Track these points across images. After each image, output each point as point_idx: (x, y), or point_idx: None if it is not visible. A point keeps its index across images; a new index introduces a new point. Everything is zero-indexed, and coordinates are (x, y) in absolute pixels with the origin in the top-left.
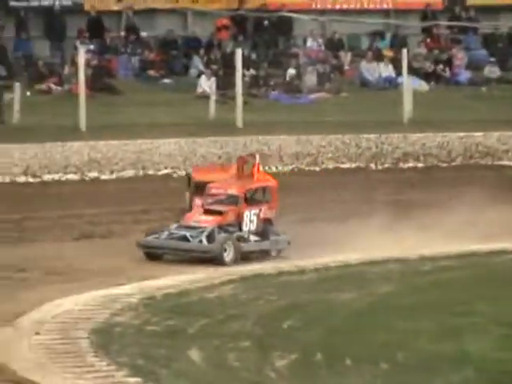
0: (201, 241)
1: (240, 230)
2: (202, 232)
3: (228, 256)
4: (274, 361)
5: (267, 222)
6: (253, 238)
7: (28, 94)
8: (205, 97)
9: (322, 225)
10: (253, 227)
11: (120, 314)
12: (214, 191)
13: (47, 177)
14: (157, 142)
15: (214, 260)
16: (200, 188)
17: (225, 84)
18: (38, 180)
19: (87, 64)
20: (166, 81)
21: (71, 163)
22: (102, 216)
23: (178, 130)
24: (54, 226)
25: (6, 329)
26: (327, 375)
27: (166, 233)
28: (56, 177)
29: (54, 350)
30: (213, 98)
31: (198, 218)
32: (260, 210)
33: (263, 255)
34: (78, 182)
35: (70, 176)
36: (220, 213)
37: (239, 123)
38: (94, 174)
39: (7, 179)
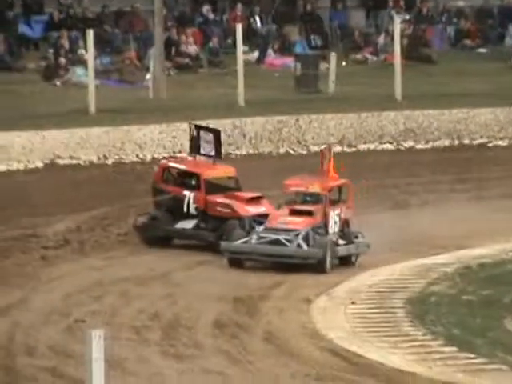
0: (299, 245)
1: (326, 232)
2: (298, 235)
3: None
4: None
5: (346, 223)
6: (341, 241)
7: (343, 63)
8: None
9: None
10: (337, 229)
11: (436, 283)
12: (293, 189)
13: (362, 146)
14: (472, 112)
15: (313, 266)
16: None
17: None
18: (353, 150)
19: (402, 33)
20: (482, 50)
21: (386, 133)
22: (417, 185)
23: (493, 100)
24: (370, 196)
25: (322, 297)
26: None
27: (254, 236)
28: (372, 146)
29: (369, 319)
30: None
31: (286, 219)
32: (341, 210)
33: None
34: (393, 152)
35: (386, 146)
36: (310, 213)
37: None
38: (409, 144)
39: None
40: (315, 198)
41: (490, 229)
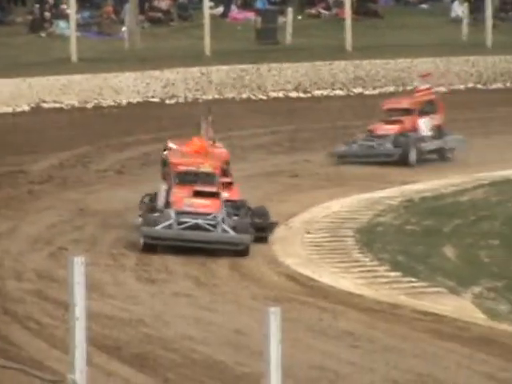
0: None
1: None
2: (386, 138)
3: (411, 157)
4: None
5: (438, 126)
6: (428, 139)
7: (299, 17)
8: (457, 20)
9: None
10: (427, 132)
11: (382, 214)
12: (389, 106)
13: (316, 92)
14: (415, 61)
15: (398, 161)
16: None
17: (476, 8)
18: (308, 95)
19: None
20: (423, 6)
21: (338, 80)
22: (365, 128)
23: (433, 51)
24: (322, 137)
25: (280, 227)
26: None
27: (355, 144)
28: (325, 92)
29: (322, 247)
30: (465, 21)
31: (384, 127)
32: (431, 118)
33: (440, 157)
34: (344, 97)
35: (337, 92)
36: (400, 122)
37: (489, 43)
38: (358, 90)
39: (281, 94)
40: (407, 112)
41: (431, 166)
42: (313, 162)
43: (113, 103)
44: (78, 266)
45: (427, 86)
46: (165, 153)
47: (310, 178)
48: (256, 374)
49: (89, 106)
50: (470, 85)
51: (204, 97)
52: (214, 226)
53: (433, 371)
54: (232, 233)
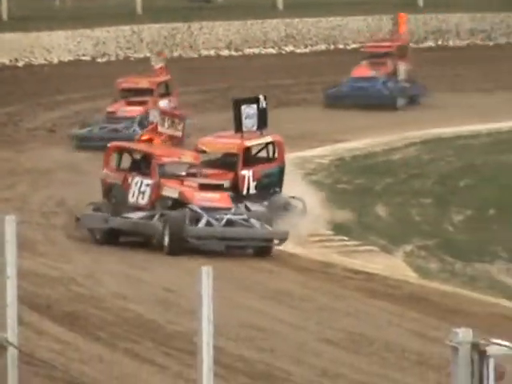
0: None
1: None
2: (131, 120)
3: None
4: (451, 216)
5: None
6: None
7: None
8: None
9: (502, 93)
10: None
11: (313, 173)
12: (126, 86)
13: (248, 51)
14: (346, 19)
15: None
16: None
17: None
18: (240, 53)
19: None
20: None
21: (269, 38)
22: (297, 86)
23: (365, 9)
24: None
25: None
26: (499, 228)
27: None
28: (256, 51)
29: None
30: None
31: (126, 108)
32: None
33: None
34: (275, 56)
35: (269, 50)
36: (143, 103)
37: (420, 3)
38: (290, 48)
39: (212, 53)
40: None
41: (363, 125)
42: None
43: (44, 62)
44: (10, 225)
45: (161, 64)
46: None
47: None
48: (188, 332)
49: (20, 64)
50: None
51: (135, 55)
52: (246, 221)
53: (364, 329)
54: (270, 228)
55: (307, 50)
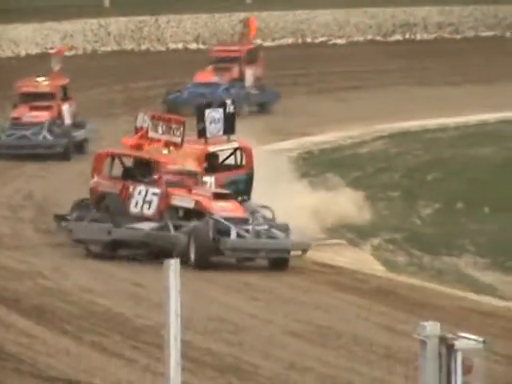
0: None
1: None
2: (38, 127)
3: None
4: (419, 209)
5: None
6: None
7: None
8: None
9: (469, 86)
10: (70, 120)
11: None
12: (25, 90)
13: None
14: (313, 13)
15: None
16: None
17: None
18: (208, 47)
19: None
20: None
21: (237, 32)
22: (264, 79)
23: (332, 2)
24: None
25: None
26: (467, 222)
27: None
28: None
29: None
30: None
31: (30, 113)
32: (70, 105)
33: None
34: None
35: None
36: (48, 107)
37: None
38: (257, 42)
39: (180, 46)
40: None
41: (330, 118)
42: None
43: (11, 54)
44: None
45: (59, 66)
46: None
47: None
48: (156, 326)
49: None
50: (369, 37)
51: (103, 48)
52: (268, 231)
53: (332, 323)
54: (293, 238)
55: (274, 44)
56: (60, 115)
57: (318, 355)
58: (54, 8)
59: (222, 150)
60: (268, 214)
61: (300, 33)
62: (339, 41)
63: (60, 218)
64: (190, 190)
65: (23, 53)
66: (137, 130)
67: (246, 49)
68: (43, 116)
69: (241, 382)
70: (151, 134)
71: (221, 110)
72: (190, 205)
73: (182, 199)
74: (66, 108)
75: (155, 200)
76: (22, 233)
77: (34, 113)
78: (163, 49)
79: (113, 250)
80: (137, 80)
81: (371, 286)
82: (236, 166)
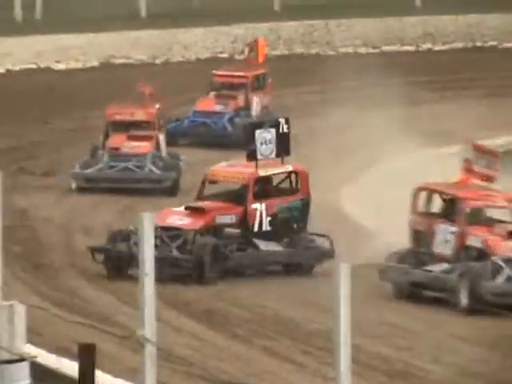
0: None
1: None
2: (142, 158)
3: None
4: None
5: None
6: None
7: None
8: None
9: None
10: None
11: None
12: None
13: (385, 48)
14: (484, 17)
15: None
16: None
17: None
18: (377, 51)
19: None
20: None
21: (407, 36)
22: (434, 83)
23: (503, 5)
24: (389, 93)
25: None
26: None
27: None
28: (394, 48)
29: None
30: None
31: (130, 144)
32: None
33: None
34: (413, 53)
35: (406, 47)
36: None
37: None
38: (427, 46)
39: (350, 50)
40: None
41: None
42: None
43: (182, 59)
44: (148, 222)
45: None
46: None
47: None
48: (327, 330)
49: (158, 61)
50: None
51: (273, 52)
52: None
53: (503, 329)
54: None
55: (445, 48)
56: (158, 146)
57: (489, 360)
58: (224, 12)
59: (274, 174)
60: (326, 244)
61: (470, 37)
62: (510, 44)
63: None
64: (491, 228)
65: (193, 57)
66: (465, 164)
67: (252, 74)
68: (145, 147)
69: None
70: (475, 167)
71: (273, 131)
72: (478, 244)
73: (474, 239)
74: (162, 138)
75: (452, 239)
76: None
77: (134, 143)
78: (333, 53)
79: (417, 293)
80: (304, 84)
81: None
82: (291, 191)
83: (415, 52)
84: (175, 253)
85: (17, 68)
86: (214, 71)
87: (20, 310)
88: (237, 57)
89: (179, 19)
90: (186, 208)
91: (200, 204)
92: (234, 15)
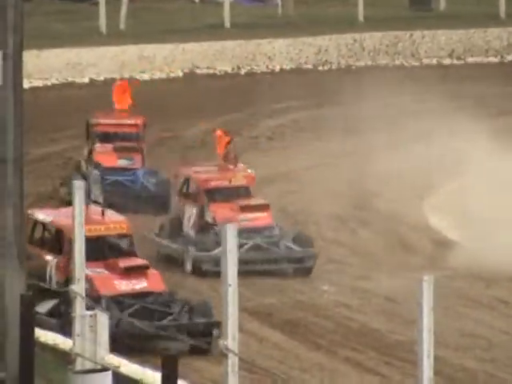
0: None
1: None
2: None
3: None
4: None
5: None
6: None
7: None
8: None
9: None
10: None
11: None
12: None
13: (470, 59)
14: None
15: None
16: None
17: None
18: (461, 62)
19: None
20: None
21: (492, 47)
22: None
23: None
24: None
25: None
26: None
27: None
28: (478, 59)
29: None
30: None
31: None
32: None
33: None
34: (497, 65)
35: (491, 59)
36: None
37: None
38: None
39: (434, 61)
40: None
41: None
42: None
43: (266, 69)
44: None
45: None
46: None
47: None
48: (409, 341)
49: (242, 72)
50: None
51: (357, 63)
52: None
53: None
54: None
55: None
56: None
57: None
58: (309, 23)
59: None
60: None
61: None
62: None
63: None
64: None
65: (277, 68)
66: None
67: (141, 121)
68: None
69: None
70: None
71: None
72: None
73: None
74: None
75: None
76: None
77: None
78: (417, 64)
79: None
80: (393, 95)
81: None
82: None
83: (499, 63)
84: None
85: (101, 78)
86: (94, 118)
87: (103, 320)
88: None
89: (263, 29)
90: None
91: None
92: (317, 26)
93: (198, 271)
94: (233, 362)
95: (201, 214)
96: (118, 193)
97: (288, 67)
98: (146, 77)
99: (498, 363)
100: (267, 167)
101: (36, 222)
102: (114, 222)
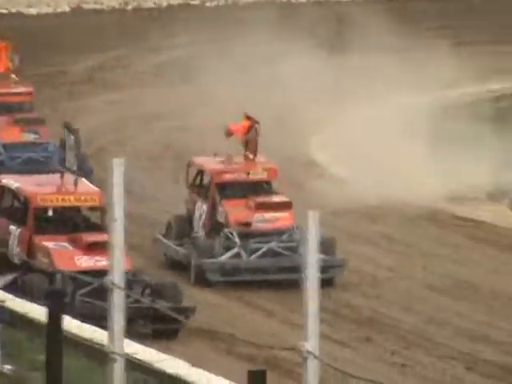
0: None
1: None
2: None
3: None
4: None
5: None
6: None
7: None
8: None
9: None
10: None
11: None
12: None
13: None
14: None
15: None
16: None
17: None
18: None
19: None
20: None
21: None
22: None
23: None
24: None
25: None
26: None
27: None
28: None
29: None
30: None
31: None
32: None
33: None
34: None
35: None
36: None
37: None
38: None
39: None
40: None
41: None
42: None
43: (153, 5)
44: (117, 168)
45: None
46: None
47: None
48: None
49: (129, 7)
50: None
51: None
52: None
53: (471, 277)
54: None
55: None
56: None
57: (457, 309)
58: None
59: None
60: None
61: None
62: None
63: None
64: None
65: (164, 3)
66: None
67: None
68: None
69: (380, 335)
70: None
71: None
72: None
73: None
74: None
75: None
76: (162, 183)
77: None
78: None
79: None
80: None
81: (510, 240)
82: None
83: None
84: None
85: None
86: None
87: None
88: None
89: None
90: None
91: None
92: None
93: (201, 280)
94: (312, 364)
95: (212, 213)
96: (35, 172)
97: (175, 3)
98: (33, 11)
99: (382, 299)
100: (153, 103)
101: (4, 189)
102: (86, 193)
